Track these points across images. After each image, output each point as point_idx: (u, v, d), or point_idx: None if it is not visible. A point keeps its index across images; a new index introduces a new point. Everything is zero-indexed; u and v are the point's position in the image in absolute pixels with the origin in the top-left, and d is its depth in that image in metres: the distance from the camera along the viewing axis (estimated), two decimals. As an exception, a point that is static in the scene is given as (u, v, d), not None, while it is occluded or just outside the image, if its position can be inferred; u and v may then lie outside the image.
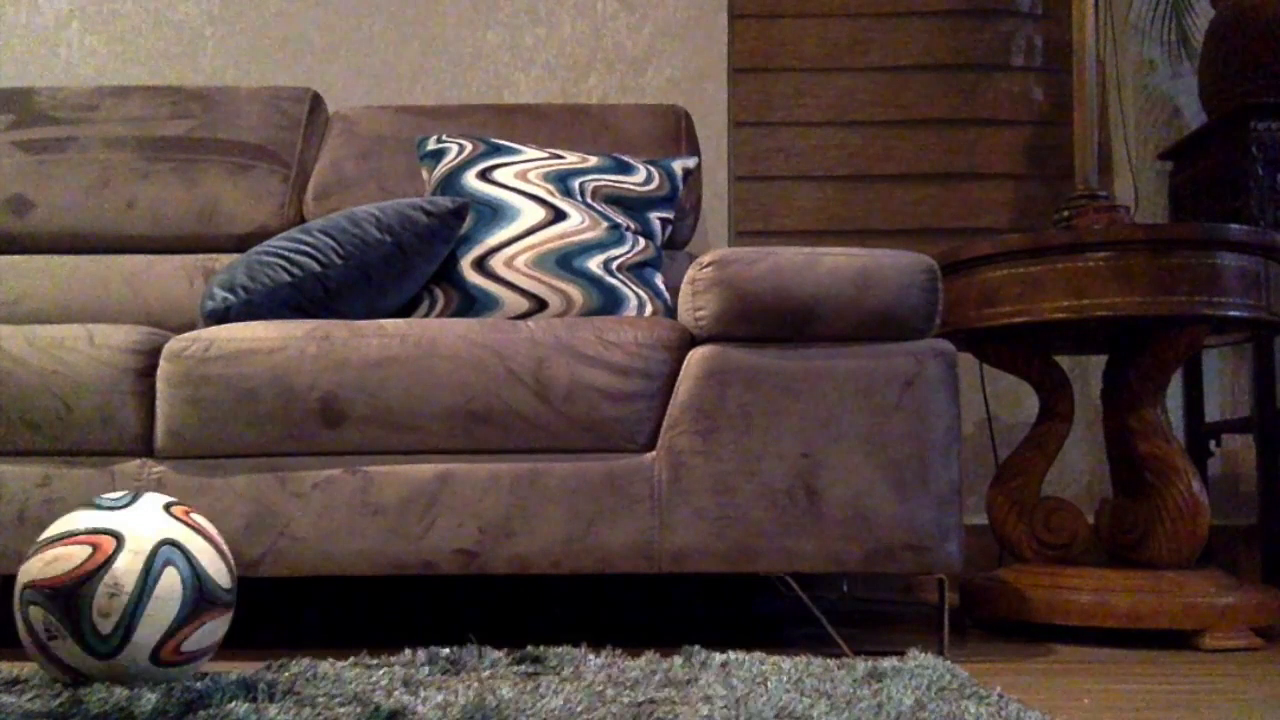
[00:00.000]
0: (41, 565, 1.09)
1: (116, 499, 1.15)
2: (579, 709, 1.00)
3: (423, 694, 1.04)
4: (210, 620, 1.13)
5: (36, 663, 1.13)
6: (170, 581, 1.10)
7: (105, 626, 1.07)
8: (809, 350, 1.49)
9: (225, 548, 1.17)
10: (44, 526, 1.49)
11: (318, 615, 1.99)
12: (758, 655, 1.30)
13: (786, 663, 1.26)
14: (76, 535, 1.10)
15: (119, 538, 1.10)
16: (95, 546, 1.09)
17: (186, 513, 1.17)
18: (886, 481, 1.47)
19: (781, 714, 0.99)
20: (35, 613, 1.08)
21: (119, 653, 1.08)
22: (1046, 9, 2.44)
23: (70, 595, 1.07)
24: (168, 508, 1.15)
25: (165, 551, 1.10)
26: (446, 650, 1.31)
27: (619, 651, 1.34)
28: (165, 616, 1.09)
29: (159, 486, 1.49)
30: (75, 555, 1.08)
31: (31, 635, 1.10)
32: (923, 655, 1.30)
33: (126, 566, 1.08)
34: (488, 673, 1.22)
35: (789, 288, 1.47)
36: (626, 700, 1.04)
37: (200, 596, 1.12)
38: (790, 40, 2.45)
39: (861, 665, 1.23)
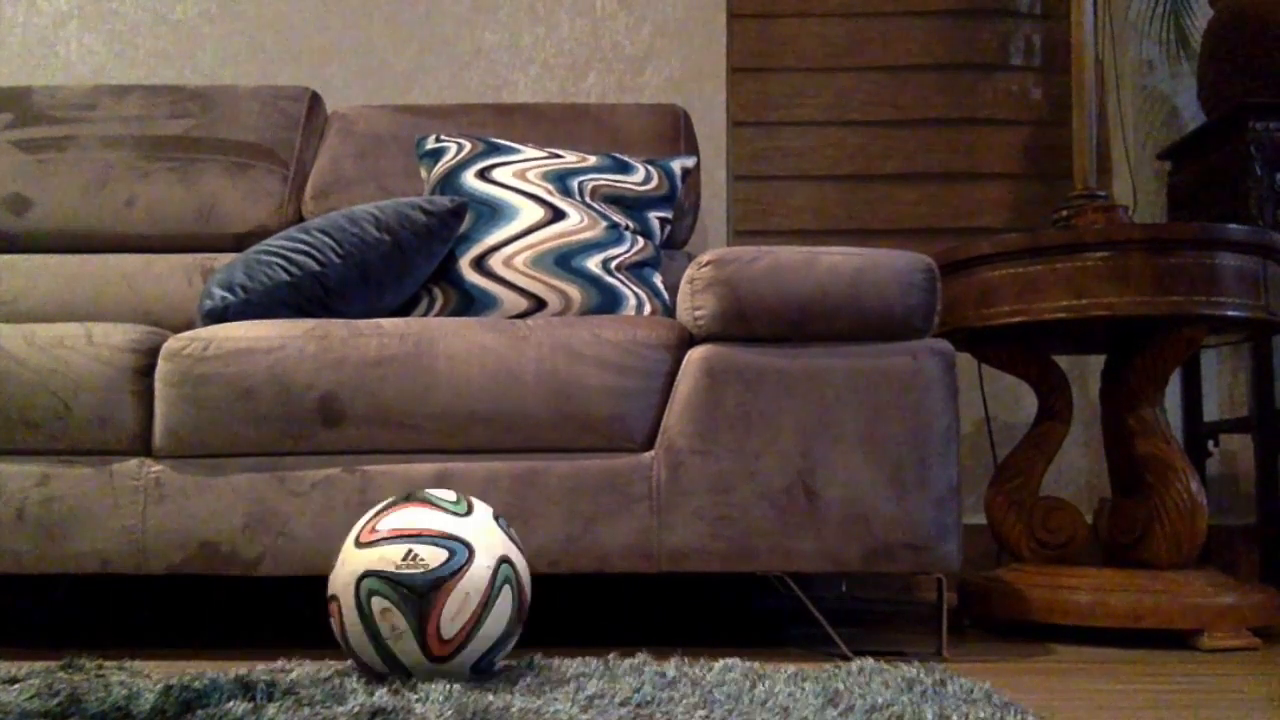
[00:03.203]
0: (396, 559, 1.09)
1: (454, 503, 1.15)
2: (577, 710, 1.00)
3: (422, 694, 1.04)
4: (513, 638, 1.16)
5: (352, 654, 1.12)
6: (505, 599, 1.12)
7: (449, 632, 1.08)
8: (807, 350, 1.49)
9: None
10: (42, 526, 1.49)
11: (318, 615, 1.99)
12: (756, 658, 1.30)
13: (785, 666, 1.26)
14: (430, 535, 1.11)
15: (470, 548, 1.11)
16: (451, 553, 1.10)
17: (509, 526, 1.18)
18: (885, 481, 1.47)
19: (780, 715, 0.98)
20: (379, 605, 1.08)
21: (450, 660, 1.10)
22: (1045, 9, 2.44)
23: (424, 597, 1.08)
24: (497, 519, 1.17)
25: (505, 569, 1.13)
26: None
27: (615, 653, 1.33)
28: (495, 632, 1.12)
29: (157, 486, 1.49)
30: (432, 558, 1.09)
31: (366, 626, 1.09)
32: (921, 658, 1.30)
33: (479, 578, 1.10)
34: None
35: (787, 287, 1.47)
36: (625, 701, 1.04)
37: (519, 616, 1.15)
38: (789, 40, 2.45)
39: (859, 665, 1.23)
